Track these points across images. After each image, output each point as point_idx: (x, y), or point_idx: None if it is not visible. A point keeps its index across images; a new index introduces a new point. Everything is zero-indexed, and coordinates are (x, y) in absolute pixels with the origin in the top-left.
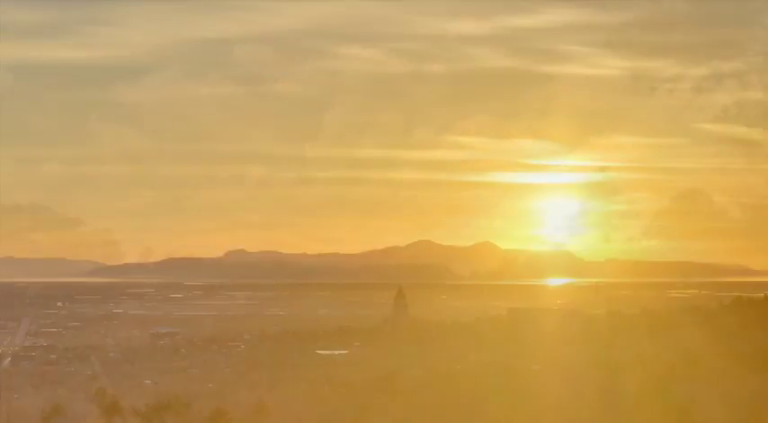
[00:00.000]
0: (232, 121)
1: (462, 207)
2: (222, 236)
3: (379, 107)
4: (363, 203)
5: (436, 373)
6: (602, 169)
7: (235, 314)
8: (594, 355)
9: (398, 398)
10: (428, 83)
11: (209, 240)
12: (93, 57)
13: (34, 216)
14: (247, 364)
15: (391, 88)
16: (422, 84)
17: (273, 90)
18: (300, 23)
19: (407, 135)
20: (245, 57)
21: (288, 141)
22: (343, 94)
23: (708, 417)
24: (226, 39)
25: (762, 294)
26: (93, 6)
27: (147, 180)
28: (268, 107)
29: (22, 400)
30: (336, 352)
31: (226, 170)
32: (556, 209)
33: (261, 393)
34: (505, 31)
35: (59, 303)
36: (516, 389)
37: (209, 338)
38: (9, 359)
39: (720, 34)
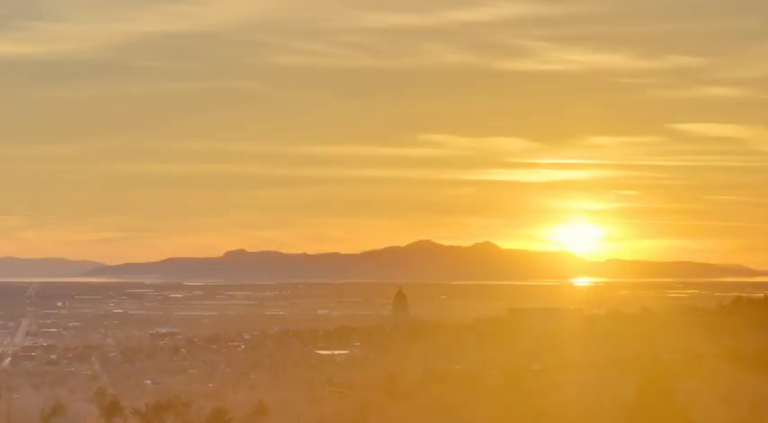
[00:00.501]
0: (209, 119)
1: (462, 207)
2: (222, 236)
3: (353, 104)
4: (363, 203)
5: (436, 373)
6: (588, 167)
7: (235, 314)
8: (594, 355)
9: (398, 398)
10: (390, 79)
11: (209, 240)
12: (38, 52)
13: (33, 215)
14: (247, 364)
15: (356, 84)
16: (383, 80)
17: (236, 86)
18: (242, 17)
19: (396, 132)
20: (197, 52)
21: (283, 140)
22: (306, 91)
23: (708, 417)
24: (174, 33)
25: (762, 294)
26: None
27: (146, 179)
28: (237, 104)
29: (22, 400)
30: (336, 352)
31: (224, 169)
32: (556, 208)
33: (261, 393)
34: (452, 26)
35: (59, 303)
36: (516, 389)
37: (209, 338)
38: (9, 359)
39: (678, 27)
